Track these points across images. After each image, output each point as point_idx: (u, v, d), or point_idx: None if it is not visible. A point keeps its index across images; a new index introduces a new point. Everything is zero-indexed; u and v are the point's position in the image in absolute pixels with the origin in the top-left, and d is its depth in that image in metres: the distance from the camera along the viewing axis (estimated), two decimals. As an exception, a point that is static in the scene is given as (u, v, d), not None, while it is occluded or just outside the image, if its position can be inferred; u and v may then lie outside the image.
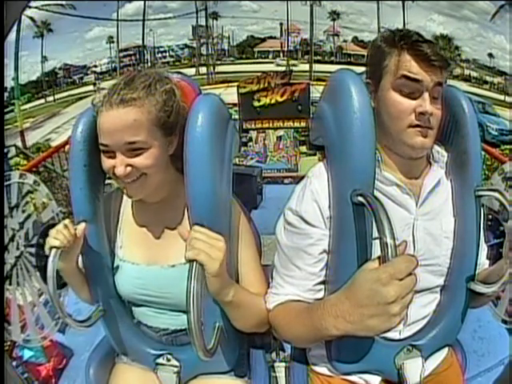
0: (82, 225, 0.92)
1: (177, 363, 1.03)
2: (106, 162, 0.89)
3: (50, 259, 0.87)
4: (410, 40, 0.88)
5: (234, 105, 4.98)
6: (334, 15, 17.22)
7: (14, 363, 1.71)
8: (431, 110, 0.87)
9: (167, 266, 0.97)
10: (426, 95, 0.87)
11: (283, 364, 1.16)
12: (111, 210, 1.03)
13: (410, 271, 0.66)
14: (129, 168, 0.87)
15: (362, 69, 0.99)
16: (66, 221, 0.91)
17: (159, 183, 0.93)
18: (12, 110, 13.53)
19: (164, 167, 0.93)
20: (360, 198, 0.81)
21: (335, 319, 0.74)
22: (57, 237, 0.88)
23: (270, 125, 5.17)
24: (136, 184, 0.90)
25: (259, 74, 5.14)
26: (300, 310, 0.89)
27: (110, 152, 0.88)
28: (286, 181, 4.99)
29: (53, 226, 0.92)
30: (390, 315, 0.66)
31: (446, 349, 1.05)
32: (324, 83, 1.02)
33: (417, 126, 0.88)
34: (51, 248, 0.88)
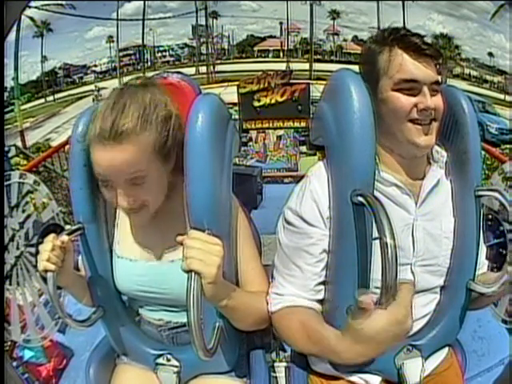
0: (65, 237, 0.90)
1: (177, 363, 1.04)
2: (107, 194, 0.88)
3: (50, 283, 0.87)
4: (398, 34, 0.89)
5: (234, 104, 4.98)
6: (334, 14, 17.19)
7: (15, 363, 1.71)
8: (433, 104, 0.87)
9: (166, 262, 0.97)
10: (426, 90, 0.87)
11: (283, 364, 1.15)
12: (109, 206, 1.03)
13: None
14: (131, 199, 0.86)
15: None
16: (51, 238, 0.88)
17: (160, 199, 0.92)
18: (12, 110, 13.49)
19: (164, 189, 0.92)
20: (360, 198, 0.81)
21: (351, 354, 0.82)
22: (50, 260, 0.86)
23: (270, 125, 5.16)
24: (140, 214, 0.89)
25: (259, 73, 5.13)
26: (307, 325, 0.90)
27: (108, 184, 0.86)
28: (285, 180, 4.98)
29: (53, 225, 0.92)
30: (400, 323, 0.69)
31: (446, 349, 1.05)
32: (324, 82, 1.02)
33: (418, 122, 0.88)
34: (46, 271, 0.87)
